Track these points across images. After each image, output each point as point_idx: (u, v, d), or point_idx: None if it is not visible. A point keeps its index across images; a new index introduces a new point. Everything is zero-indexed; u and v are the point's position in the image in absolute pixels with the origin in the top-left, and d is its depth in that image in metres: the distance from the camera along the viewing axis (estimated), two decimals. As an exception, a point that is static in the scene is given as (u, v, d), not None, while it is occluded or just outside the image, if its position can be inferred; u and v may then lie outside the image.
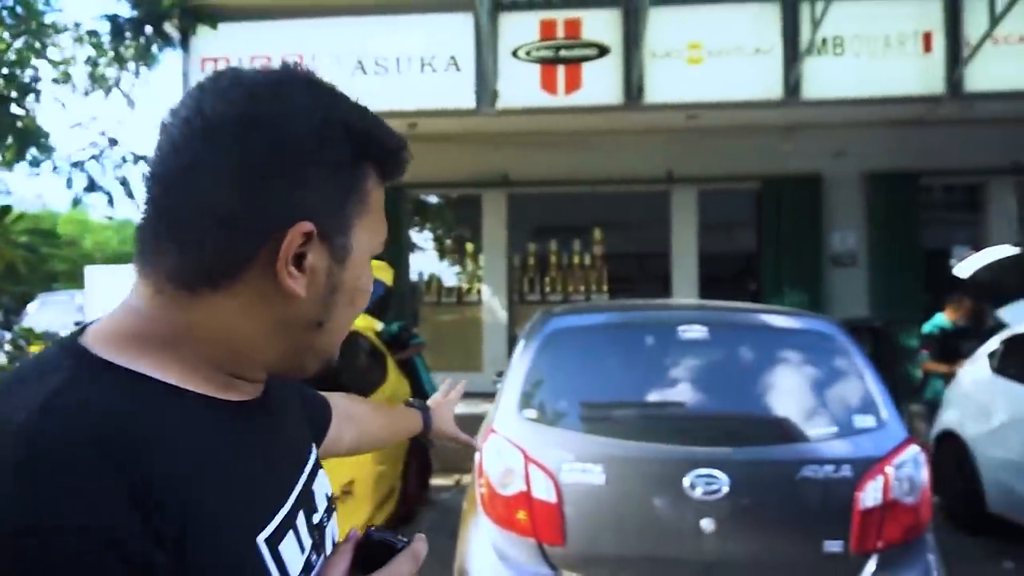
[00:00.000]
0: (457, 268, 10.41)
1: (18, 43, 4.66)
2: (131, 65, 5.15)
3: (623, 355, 3.21)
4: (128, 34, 5.05)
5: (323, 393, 1.15)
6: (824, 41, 7.33)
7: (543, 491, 2.80)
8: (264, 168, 0.66)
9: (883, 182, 8.69)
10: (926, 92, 7.39)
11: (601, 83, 7.52)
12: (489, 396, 3.26)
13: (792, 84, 7.36)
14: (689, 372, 3.12)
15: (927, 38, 7.35)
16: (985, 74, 7.24)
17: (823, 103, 7.57)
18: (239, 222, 0.66)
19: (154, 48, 5.27)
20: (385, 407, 1.44)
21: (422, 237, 10.65)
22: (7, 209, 3.58)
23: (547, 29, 7.58)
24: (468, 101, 7.59)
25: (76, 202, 5.16)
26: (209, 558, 0.60)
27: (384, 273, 5.67)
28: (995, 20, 6.82)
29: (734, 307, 3.64)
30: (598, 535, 2.81)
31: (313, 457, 0.85)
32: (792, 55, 7.35)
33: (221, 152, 0.66)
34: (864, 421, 2.93)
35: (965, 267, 6.22)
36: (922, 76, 7.37)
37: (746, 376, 3.14)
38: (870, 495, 2.72)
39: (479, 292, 9.54)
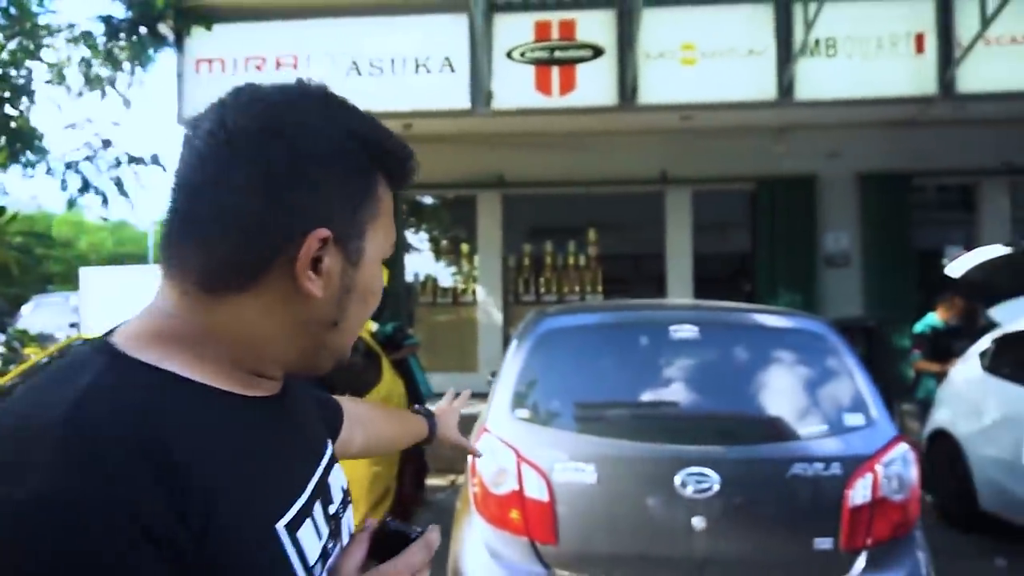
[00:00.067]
0: (452, 269, 10.42)
1: (12, 44, 4.67)
2: (126, 66, 5.15)
3: (615, 355, 3.23)
4: (122, 35, 5.06)
5: (335, 397, 1.18)
6: (817, 42, 7.36)
7: (536, 490, 2.82)
8: (285, 178, 0.71)
9: (876, 183, 8.73)
10: (918, 93, 7.43)
11: (595, 84, 7.54)
12: (484, 396, 3.27)
13: (785, 85, 7.39)
14: (681, 372, 3.13)
15: (919, 39, 7.39)
16: (977, 75, 7.28)
17: (816, 104, 7.60)
18: (261, 228, 0.70)
19: (148, 49, 5.28)
20: (394, 412, 1.48)
21: (417, 238, 10.65)
22: (1, 210, 3.59)
23: (542, 30, 7.60)
24: (463, 102, 7.60)
25: (71, 203, 5.16)
26: (232, 542, 0.64)
27: (379, 274, 5.66)
28: (986, 21, 6.85)
29: (726, 307, 3.66)
30: (590, 534, 2.83)
31: (329, 451, 0.89)
32: (785, 56, 7.38)
33: (244, 162, 0.70)
34: (854, 420, 2.95)
35: (957, 267, 6.26)
36: (914, 77, 7.41)
37: (737, 375, 3.16)
38: (859, 493, 2.75)
39: (474, 293, 9.55)
